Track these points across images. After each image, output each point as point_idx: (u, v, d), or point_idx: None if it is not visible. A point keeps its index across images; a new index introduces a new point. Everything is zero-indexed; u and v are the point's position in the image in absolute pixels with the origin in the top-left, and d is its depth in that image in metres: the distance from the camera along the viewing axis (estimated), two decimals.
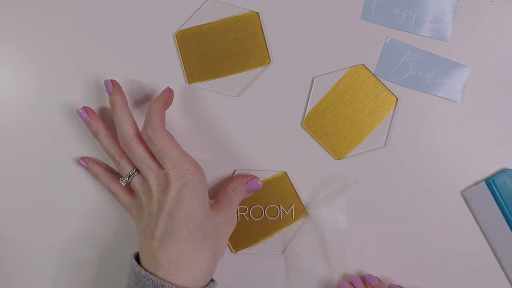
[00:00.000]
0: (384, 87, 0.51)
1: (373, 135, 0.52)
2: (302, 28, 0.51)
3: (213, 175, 0.52)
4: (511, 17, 0.50)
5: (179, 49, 0.51)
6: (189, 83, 0.52)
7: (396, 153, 0.52)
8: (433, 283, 0.53)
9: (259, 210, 0.53)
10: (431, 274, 0.53)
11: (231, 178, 0.52)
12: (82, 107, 0.50)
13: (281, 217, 0.53)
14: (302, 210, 0.52)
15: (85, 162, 0.52)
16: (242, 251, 0.53)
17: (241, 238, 0.53)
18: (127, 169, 0.48)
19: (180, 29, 0.51)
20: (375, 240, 0.53)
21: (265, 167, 0.52)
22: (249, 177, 0.51)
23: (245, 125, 0.52)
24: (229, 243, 0.53)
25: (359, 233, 0.52)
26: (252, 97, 0.52)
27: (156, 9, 0.51)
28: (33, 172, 0.53)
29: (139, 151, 0.47)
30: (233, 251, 0.53)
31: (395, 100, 0.51)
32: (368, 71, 0.51)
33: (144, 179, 0.47)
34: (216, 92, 0.52)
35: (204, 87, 0.52)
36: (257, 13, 0.51)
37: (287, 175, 0.52)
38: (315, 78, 0.51)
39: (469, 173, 0.52)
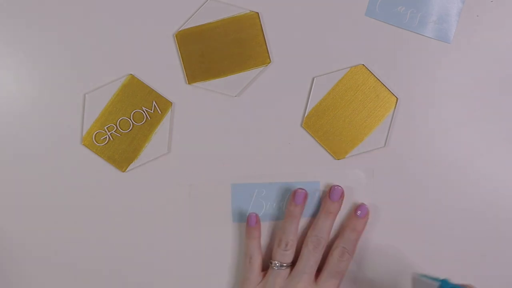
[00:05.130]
0: (384, 87, 0.51)
1: (373, 135, 0.52)
2: (302, 28, 0.51)
3: (213, 175, 0.52)
4: (511, 17, 0.50)
5: (179, 49, 0.51)
6: (189, 83, 0.52)
7: (396, 153, 0.52)
8: None
9: None
10: (431, 274, 0.53)
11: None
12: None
13: None
14: None
15: (255, 221, 0.51)
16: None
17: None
18: (289, 258, 0.50)
19: (180, 29, 0.51)
20: (375, 240, 0.53)
21: (265, 167, 0.52)
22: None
23: (245, 125, 0.52)
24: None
25: None
26: (252, 97, 0.52)
27: (156, 9, 0.51)
28: (33, 172, 0.53)
29: (318, 255, 0.50)
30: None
31: (395, 100, 0.51)
32: (368, 71, 0.51)
33: (290, 277, 0.49)
34: (216, 92, 0.52)
35: (204, 87, 0.52)
36: (257, 13, 0.51)
37: None
38: (315, 78, 0.51)
39: (469, 173, 0.52)
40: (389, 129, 0.52)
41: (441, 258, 0.52)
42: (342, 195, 0.51)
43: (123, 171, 0.53)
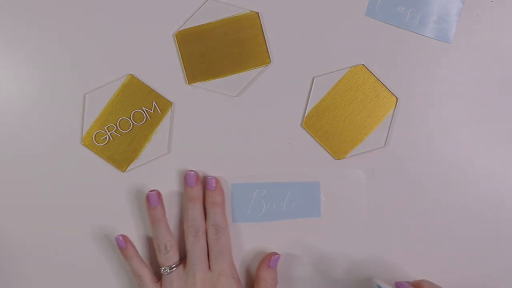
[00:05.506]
0: (384, 87, 0.51)
1: (373, 135, 0.52)
2: (302, 28, 0.51)
3: (213, 175, 0.52)
4: (511, 17, 0.50)
5: (179, 49, 0.51)
6: (189, 83, 0.52)
7: (396, 153, 0.52)
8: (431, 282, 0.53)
9: None
10: (430, 273, 0.53)
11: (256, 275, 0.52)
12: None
13: None
14: None
15: (124, 242, 0.51)
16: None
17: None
18: (173, 259, 0.50)
19: (180, 29, 0.51)
20: (375, 239, 0.53)
21: (265, 167, 0.52)
22: (267, 258, 0.52)
23: (245, 125, 0.52)
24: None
25: (358, 233, 0.52)
26: (252, 97, 0.52)
27: (156, 9, 0.51)
28: (33, 172, 0.53)
29: (202, 244, 0.50)
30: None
31: (395, 100, 0.51)
32: (368, 71, 0.51)
33: (185, 274, 0.49)
34: (216, 92, 0.52)
35: (204, 87, 0.52)
36: (257, 13, 0.51)
37: None
38: (315, 78, 0.51)
39: (469, 173, 0.52)
40: (389, 129, 0.52)
41: (441, 258, 0.52)
42: (197, 178, 0.51)
43: (123, 171, 0.53)
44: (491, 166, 0.52)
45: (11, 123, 0.52)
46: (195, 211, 0.50)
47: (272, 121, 0.52)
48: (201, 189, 0.51)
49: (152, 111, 0.52)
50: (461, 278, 0.53)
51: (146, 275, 0.51)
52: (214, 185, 0.51)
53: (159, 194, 0.51)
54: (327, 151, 0.52)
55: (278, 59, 0.51)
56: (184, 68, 0.51)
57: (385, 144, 0.52)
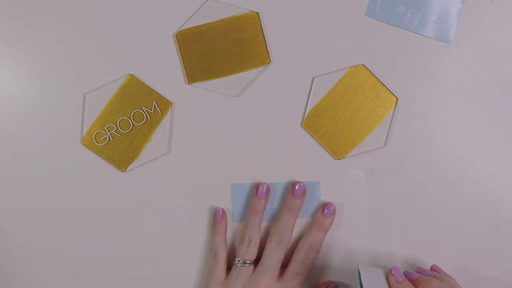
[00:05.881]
0: (384, 87, 0.51)
1: (373, 135, 0.52)
2: (302, 28, 0.51)
3: (212, 176, 0.52)
4: (511, 17, 0.50)
5: (179, 49, 0.51)
6: (189, 83, 0.52)
7: (396, 153, 0.52)
8: None
9: None
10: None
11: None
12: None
13: None
14: None
15: (221, 216, 0.51)
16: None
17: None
18: (252, 256, 0.50)
19: (180, 29, 0.51)
20: (375, 239, 0.53)
21: (265, 167, 0.52)
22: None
23: (245, 125, 0.52)
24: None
25: (358, 233, 0.52)
26: (252, 97, 0.52)
27: (156, 9, 0.51)
28: (33, 172, 0.53)
29: (281, 252, 0.49)
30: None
31: (395, 100, 0.51)
32: (368, 71, 0.51)
33: (254, 274, 0.49)
34: (216, 92, 0.52)
35: (204, 87, 0.52)
36: (257, 13, 0.51)
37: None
38: (315, 78, 0.51)
39: (469, 173, 0.52)
40: (389, 129, 0.52)
41: (441, 258, 0.52)
42: (304, 192, 0.51)
43: (123, 171, 0.53)
44: (491, 166, 0.52)
45: (11, 123, 0.52)
46: (289, 222, 0.50)
47: (272, 121, 0.52)
48: (303, 203, 0.51)
49: (152, 111, 0.52)
50: (461, 278, 0.53)
51: (223, 255, 0.51)
52: (332, 211, 0.51)
53: (268, 189, 0.51)
54: (327, 151, 0.52)
55: (278, 59, 0.51)
56: (184, 68, 0.51)
57: (385, 144, 0.52)
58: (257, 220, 0.51)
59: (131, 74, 0.51)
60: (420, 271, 0.49)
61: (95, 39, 0.51)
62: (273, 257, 0.49)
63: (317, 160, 0.52)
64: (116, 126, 0.52)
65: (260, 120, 0.52)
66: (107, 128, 0.52)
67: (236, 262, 0.50)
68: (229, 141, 0.52)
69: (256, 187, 0.51)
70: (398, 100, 0.51)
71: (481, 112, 0.51)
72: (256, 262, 0.50)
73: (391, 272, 0.45)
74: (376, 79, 0.51)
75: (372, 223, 0.52)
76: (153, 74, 0.52)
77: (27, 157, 0.52)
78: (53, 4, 0.51)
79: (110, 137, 0.52)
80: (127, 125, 0.52)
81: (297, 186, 0.51)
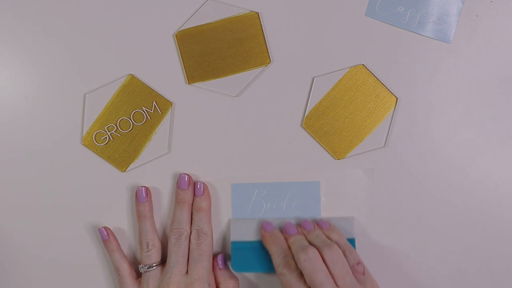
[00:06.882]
0: (384, 87, 0.51)
1: (373, 135, 0.52)
2: (302, 28, 0.51)
3: (212, 176, 0.52)
4: (511, 17, 0.50)
5: (179, 49, 0.51)
6: (189, 83, 0.52)
7: (396, 153, 0.52)
8: (431, 282, 0.53)
9: None
10: (430, 274, 0.53)
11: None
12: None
13: None
14: None
15: (106, 233, 0.52)
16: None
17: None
18: (154, 258, 0.50)
19: (180, 29, 0.51)
20: (375, 239, 0.53)
21: (265, 167, 0.52)
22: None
23: (245, 125, 0.52)
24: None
25: (358, 233, 0.52)
26: (252, 97, 0.52)
27: (156, 9, 0.51)
28: (33, 172, 0.53)
29: (183, 248, 0.49)
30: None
31: (395, 100, 0.51)
32: (368, 71, 0.51)
33: (162, 275, 0.49)
34: (216, 92, 0.52)
35: (204, 87, 0.52)
36: (257, 13, 0.51)
37: None
38: (315, 78, 0.51)
39: (469, 173, 0.52)
40: (389, 129, 0.52)
41: (441, 257, 0.52)
42: (189, 182, 0.51)
43: (123, 171, 0.53)
44: (491, 166, 0.52)
45: (11, 123, 0.52)
46: (182, 214, 0.51)
47: (272, 121, 0.52)
48: (192, 194, 0.51)
49: (152, 111, 0.52)
50: (461, 278, 0.53)
51: (125, 269, 0.51)
52: (201, 190, 0.51)
53: (148, 191, 0.51)
54: (327, 151, 0.52)
55: (278, 59, 0.51)
56: (184, 68, 0.51)
57: (385, 144, 0.52)
58: (147, 223, 0.51)
59: (131, 74, 0.52)
60: (305, 223, 0.50)
61: (95, 39, 0.51)
62: (176, 252, 0.50)
63: (317, 160, 0.52)
64: (116, 126, 0.52)
65: (260, 120, 0.52)
66: (107, 128, 0.52)
67: (140, 268, 0.50)
68: (229, 141, 0.52)
69: (135, 193, 0.51)
70: (398, 100, 0.51)
71: (481, 112, 0.51)
72: (163, 263, 0.51)
73: (262, 226, 0.49)
74: (376, 79, 0.51)
75: (372, 223, 0.52)
76: (153, 74, 0.52)
77: (27, 157, 0.52)
78: (54, 4, 0.51)
79: (110, 137, 0.52)
80: (127, 125, 0.52)
81: (181, 178, 0.51)
